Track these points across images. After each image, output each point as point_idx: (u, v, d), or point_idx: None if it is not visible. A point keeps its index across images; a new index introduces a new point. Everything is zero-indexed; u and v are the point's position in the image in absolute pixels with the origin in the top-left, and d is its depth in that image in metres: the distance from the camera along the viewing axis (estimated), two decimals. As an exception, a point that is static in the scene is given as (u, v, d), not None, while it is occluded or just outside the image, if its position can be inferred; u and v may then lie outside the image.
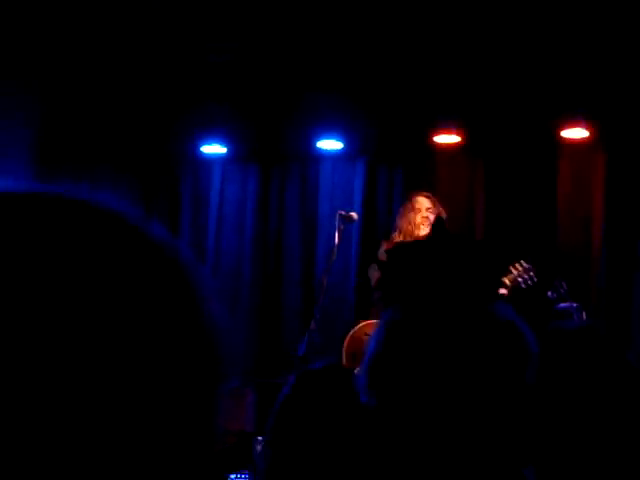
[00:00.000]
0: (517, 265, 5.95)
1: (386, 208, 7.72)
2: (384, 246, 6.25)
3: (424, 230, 6.11)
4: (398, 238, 6.17)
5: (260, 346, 7.59)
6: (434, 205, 6.22)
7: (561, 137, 7.22)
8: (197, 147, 7.75)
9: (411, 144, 7.57)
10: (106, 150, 7.51)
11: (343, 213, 6.18)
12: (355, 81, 7.00)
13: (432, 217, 6.12)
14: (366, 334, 5.95)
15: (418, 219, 6.14)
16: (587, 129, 7.09)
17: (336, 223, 6.13)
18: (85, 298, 0.68)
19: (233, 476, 4.77)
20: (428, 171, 7.58)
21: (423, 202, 6.19)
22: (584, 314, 5.85)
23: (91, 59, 6.74)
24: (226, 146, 7.71)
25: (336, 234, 6.08)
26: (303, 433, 2.27)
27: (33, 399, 0.65)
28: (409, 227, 6.13)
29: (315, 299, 6.39)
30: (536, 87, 6.79)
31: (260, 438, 4.66)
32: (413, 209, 6.17)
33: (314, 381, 2.37)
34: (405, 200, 6.63)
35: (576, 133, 7.17)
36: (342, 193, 7.72)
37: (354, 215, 6.25)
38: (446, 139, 7.38)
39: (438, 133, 7.33)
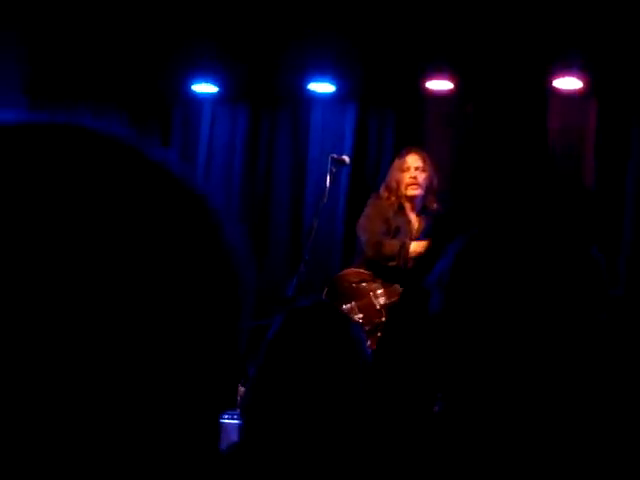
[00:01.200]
0: None
1: (376, 153, 7.71)
2: (372, 199, 6.19)
3: (411, 191, 5.98)
4: (384, 194, 6.08)
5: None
6: (424, 163, 6.06)
7: (553, 86, 7.22)
8: (188, 85, 7.69)
9: (403, 89, 7.54)
10: (97, 87, 7.44)
11: (335, 156, 6.17)
12: (348, 24, 6.94)
13: (421, 177, 6.00)
14: (348, 281, 5.94)
15: (406, 179, 6.00)
16: (580, 79, 7.08)
17: (328, 166, 6.11)
18: (100, 223, 0.67)
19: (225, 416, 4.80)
20: (419, 117, 7.58)
21: (413, 161, 6.04)
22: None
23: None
24: (217, 85, 7.66)
25: (327, 177, 6.07)
26: (293, 370, 2.28)
27: (47, 321, 0.65)
28: (397, 185, 6.04)
29: (303, 241, 6.40)
30: (529, 34, 6.75)
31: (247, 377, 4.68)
32: (402, 167, 6.04)
33: (302, 318, 2.37)
34: (396, 153, 6.54)
35: (569, 83, 7.16)
36: (332, 137, 7.69)
37: (346, 159, 6.24)
38: (438, 85, 7.36)
39: (430, 79, 7.31)
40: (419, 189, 5.99)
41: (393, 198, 6.01)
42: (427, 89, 7.38)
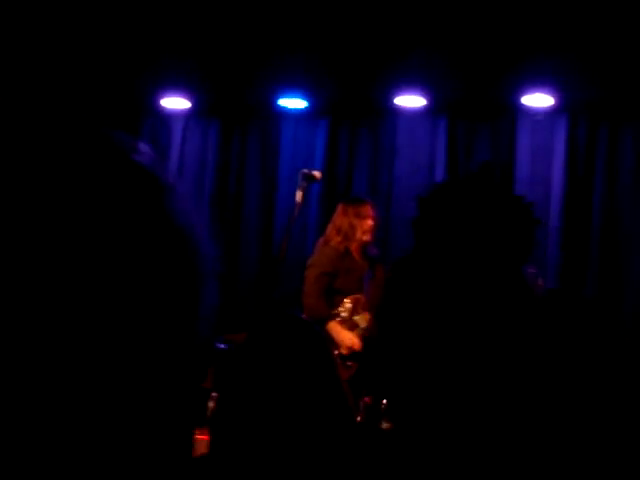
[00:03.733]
0: None
1: (347, 168, 7.73)
2: (321, 245, 6.27)
3: (367, 237, 6.19)
4: (337, 238, 6.19)
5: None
6: (374, 212, 6.29)
7: (522, 103, 7.26)
8: (159, 100, 7.67)
9: (374, 105, 7.57)
10: (65, 100, 7.39)
11: (306, 171, 6.17)
12: (318, 40, 6.94)
13: (372, 224, 6.21)
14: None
15: (365, 226, 6.20)
16: (550, 96, 7.13)
17: (299, 181, 6.11)
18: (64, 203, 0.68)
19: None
20: (390, 132, 7.62)
21: (369, 210, 6.27)
22: (541, 280, 5.91)
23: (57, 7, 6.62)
24: (188, 100, 7.65)
25: (298, 192, 6.06)
26: (260, 382, 2.27)
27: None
28: (352, 231, 6.17)
29: (275, 257, 6.39)
30: (500, 52, 6.78)
31: (214, 394, 4.66)
32: (359, 214, 6.22)
33: (271, 331, 2.37)
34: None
35: (538, 100, 7.20)
36: (303, 152, 7.71)
37: (317, 174, 6.23)
38: (409, 100, 7.39)
39: (401, 94, 7.33)
40: (371, 236, 6.22)
41: (346, 242, 6.12)
42: (398, 105, 7.41)
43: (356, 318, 6.08)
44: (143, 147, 0.77)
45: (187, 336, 0.73)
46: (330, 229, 6.28)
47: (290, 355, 2.31)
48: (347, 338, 5.99)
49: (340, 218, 6.24)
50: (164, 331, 0.71)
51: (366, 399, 6.10)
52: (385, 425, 6.02)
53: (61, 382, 0.67)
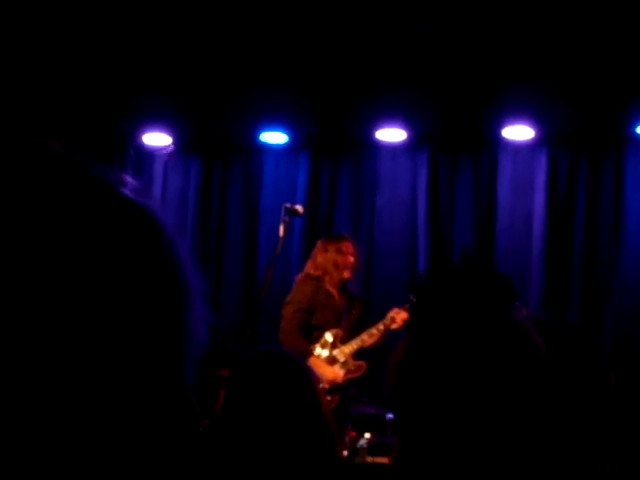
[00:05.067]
0: None
1: (329, 202, 7.74)
2: (299, 279, 6.27)
3: (348, 274, 6.20)
4: (316, 273, 6.18)
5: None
6: (355, 249, 6.30)
7: (503, 136, 7.30)
8: (139, 136, 7.67)
9: (355, 139, 7.60)
10: (46, 136, 7.38)
11: (288, 206, 6.17)
12: (299, 75, 6.97)
13: (352, 261, 6.22)
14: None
15: (347, 262, 6.21)
16: (531, 128, 7.16)
17: (281, 216, 6.11)
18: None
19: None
20: (371, 165, 7.65)
21: (351, 246, 6.27)
22: (525, 311, 5.91)
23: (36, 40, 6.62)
24: (169, 135, 7.65)
25: (281, 227, 6.06)
26: (245, 417, 2.26)
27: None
28: (333, 267, 6.17)
29: (257, 292, 6.38)
30: (479, 84, 6.82)
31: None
32: (341, 250, 6.22)
33: (254, 366, 2.36)
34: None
35: (519, 132, 7.24)
36: (285, 186, 7.71)
37: (300, 208, 6.24)
38: (389, 134, 7.41)
39: (381, 128, 7.35)
40: (351, 273, 6.24)
41: (327, 277, 6.13)
42: (379, 138, 7.43)
43: (335, 352, 6.07)
44: (127, 179, 0.76)
45: (175, 359, 0.73)
46: (309, 265, 6.28)
47: (275, 390, 2.30)
48: (328, 372, 5.97)
49: (321, 254, 6.24)
50: (151, 351, 0.71)
51: (351, 433, 6.08)
52: (369, 459, 5.99)
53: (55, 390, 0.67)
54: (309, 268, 6.26)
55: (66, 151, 0.75)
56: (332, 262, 6.18)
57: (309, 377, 2.40)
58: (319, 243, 6.32)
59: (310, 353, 6.00)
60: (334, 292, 6.18)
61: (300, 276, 6.32)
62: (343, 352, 6.07)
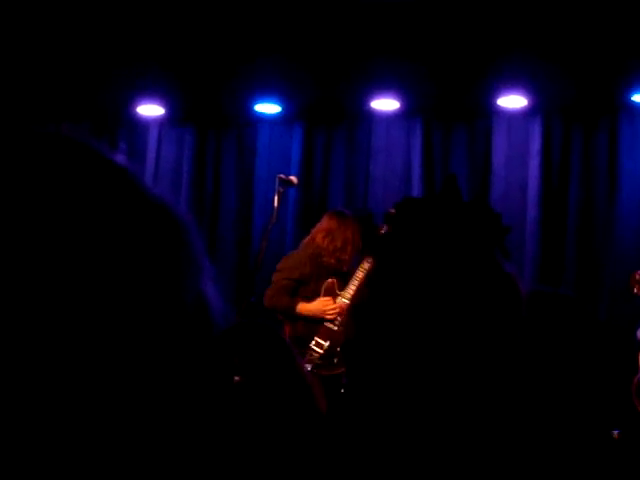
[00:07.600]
0: None
1: (323, 172, 7.73)
2: (307, 245, 6.13)
3: (346, 256, 5.99)
4: (324, 242, 5.98)
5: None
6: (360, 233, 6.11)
7: (497, 105, 7.28)
8: (134, 107, 7.64)
9: (348, 108, 7.57)
10: (39, 109, 7.36)
11: (283, 176, 6.15)
12: (293, 45, 6.94)
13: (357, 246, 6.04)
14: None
15: (356, 247, 6.00)
16: (525, 97, 7.15)
17: (275, 186, 6.10)
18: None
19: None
20: (365, 135, 7.64)
21: (357, 229, 6.05)
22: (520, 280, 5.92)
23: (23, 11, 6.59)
24: (163, 107, 7.63)
25: (275, 197, 6.05)
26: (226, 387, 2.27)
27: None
28: (342, 244, 5.98)
29: (252, 263, 6.37)
30: (473, 54, 6.80)
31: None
32: (353, 231, 6.03)
33: (235, 338, 2.38)
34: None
35: (513, 101, 7.23)
36: (279, 157, 7.70)
37: (294, 179, 6.22)
38: (384, 104, 7.39)
39: (376, 98, 7.33)
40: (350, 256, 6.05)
41: (331, 247, 5.98)
42: (373, 108, 7.42)
43: (338, 299, 5.94)
44: (120, 158, 0.77)
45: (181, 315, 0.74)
46: (320, 236, 6.07)
47: (252, 359, 2.31)
48: (322, 301, 5.90)
49: (336, 229, 6.07)
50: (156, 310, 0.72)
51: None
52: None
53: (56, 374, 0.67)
54: (316, 235, 6.08)
55: (85, 142, 0.74)
56: (343, 239, 6.01)
57: (284, 342, 2.42)
58: (335, 216, 6.14)
59: (295, 304, 5.93)
60: (329, 266, 6.07)
61: (305, 241, 6.17)
62: (345, 296, 5.94)
